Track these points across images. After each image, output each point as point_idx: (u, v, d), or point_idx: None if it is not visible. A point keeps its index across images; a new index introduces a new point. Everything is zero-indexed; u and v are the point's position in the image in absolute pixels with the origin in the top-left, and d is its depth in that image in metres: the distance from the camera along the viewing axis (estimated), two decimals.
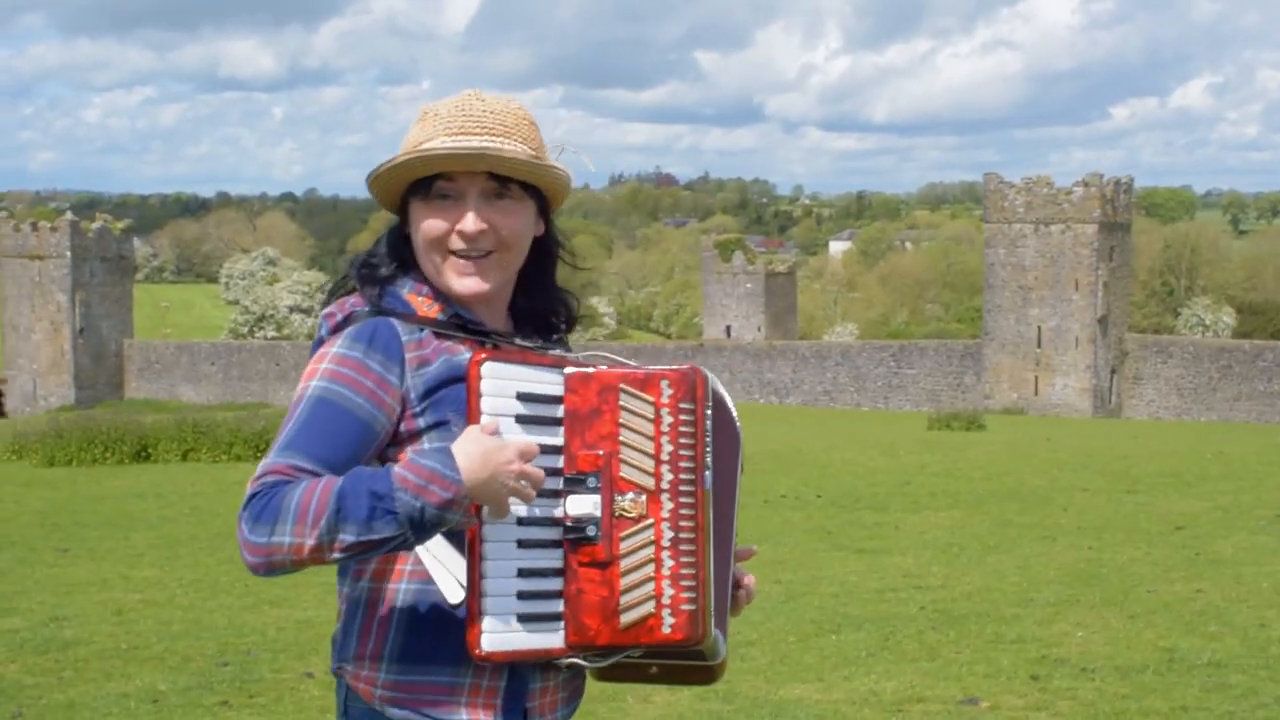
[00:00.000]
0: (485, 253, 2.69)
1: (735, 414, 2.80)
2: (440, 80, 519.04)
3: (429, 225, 2.67)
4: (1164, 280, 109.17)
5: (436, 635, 2.59)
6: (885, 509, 16.62)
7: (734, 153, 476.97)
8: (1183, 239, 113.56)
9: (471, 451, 2.43)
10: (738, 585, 2.87)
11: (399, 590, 2.61)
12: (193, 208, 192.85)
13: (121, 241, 79.36)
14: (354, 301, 2.70)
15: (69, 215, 79.14)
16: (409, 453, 2.55)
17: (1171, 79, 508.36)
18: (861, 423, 43.22)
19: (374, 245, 2.79)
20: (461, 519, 2.44)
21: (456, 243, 2.67)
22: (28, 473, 21.41)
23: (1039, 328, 60.65)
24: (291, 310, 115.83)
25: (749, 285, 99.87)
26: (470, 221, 2.65)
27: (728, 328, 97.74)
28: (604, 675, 2.71)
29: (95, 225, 78.87)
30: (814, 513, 16.44)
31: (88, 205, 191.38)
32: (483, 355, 2.55)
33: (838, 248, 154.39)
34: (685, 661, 2.72)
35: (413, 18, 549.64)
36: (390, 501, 2.38)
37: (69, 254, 74.45)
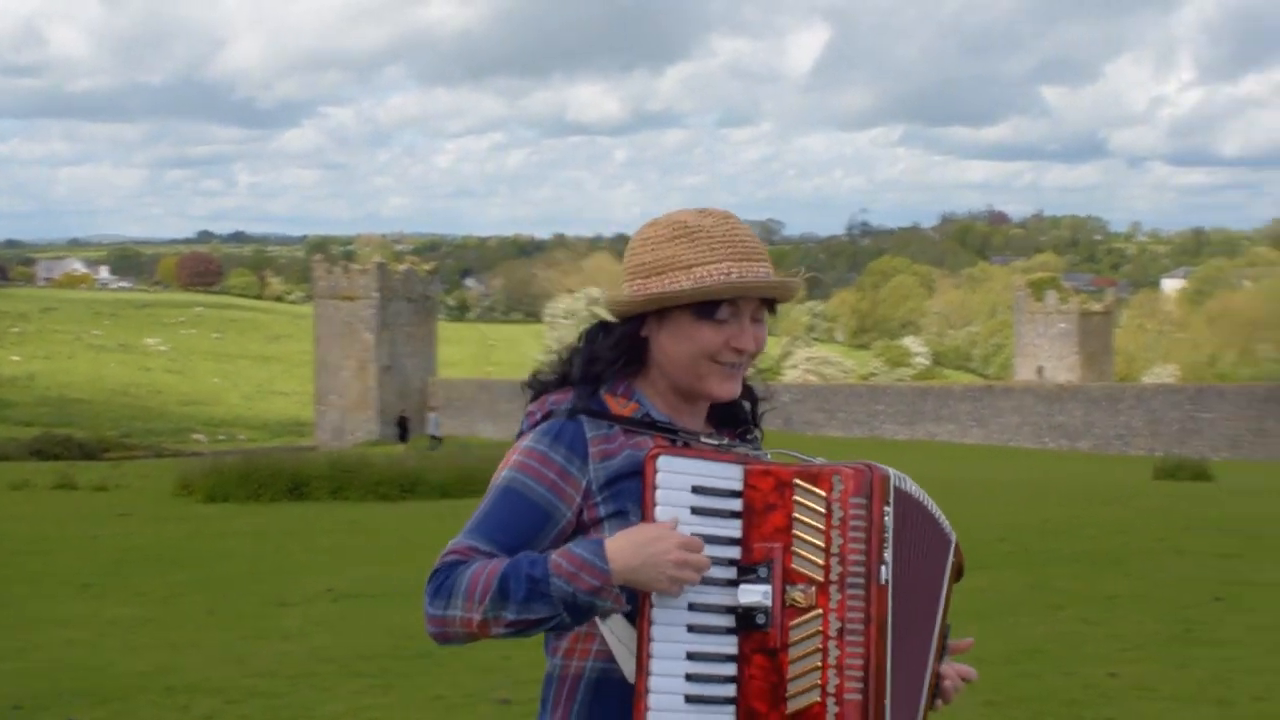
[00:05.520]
0: (744, 364, 2.94)
1: (938, 514, 2.95)
2: (782, 120, 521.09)
3: (709, 339, 2.86)
4: None
5: (619, 712, 2.76)
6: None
7: (1074, 189, 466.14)
8: None
9: (624, 543, 2.63)
10: (944, 678, 3.01)
11: (585, 667, 2.83)
12: (528, 249, 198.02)
13: (427, 283, 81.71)
14: (554, 399, 2.89)
15: (377, 259, 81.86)
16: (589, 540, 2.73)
17: None
18: (1087, 469, 41.16)
19: (590, 345, 2.94)
20: (610, 605, 2.64)
21: (729, 356, 2.88)
22: (180, 507, 22.16)
23: None
24: None
25: (1062, 325, 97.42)
26: (750, 341, 2.88)
27: (1040, 368, 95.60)
28: None
29: (402, 268, 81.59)
30: None
31: (430, 248, 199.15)
32: (657, 450, 2.72)
33: (1170, 286, 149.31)
34: None
35: (757, 59, 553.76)
36: (545, 585, 2.61)
37: (377, 295, 77.03)
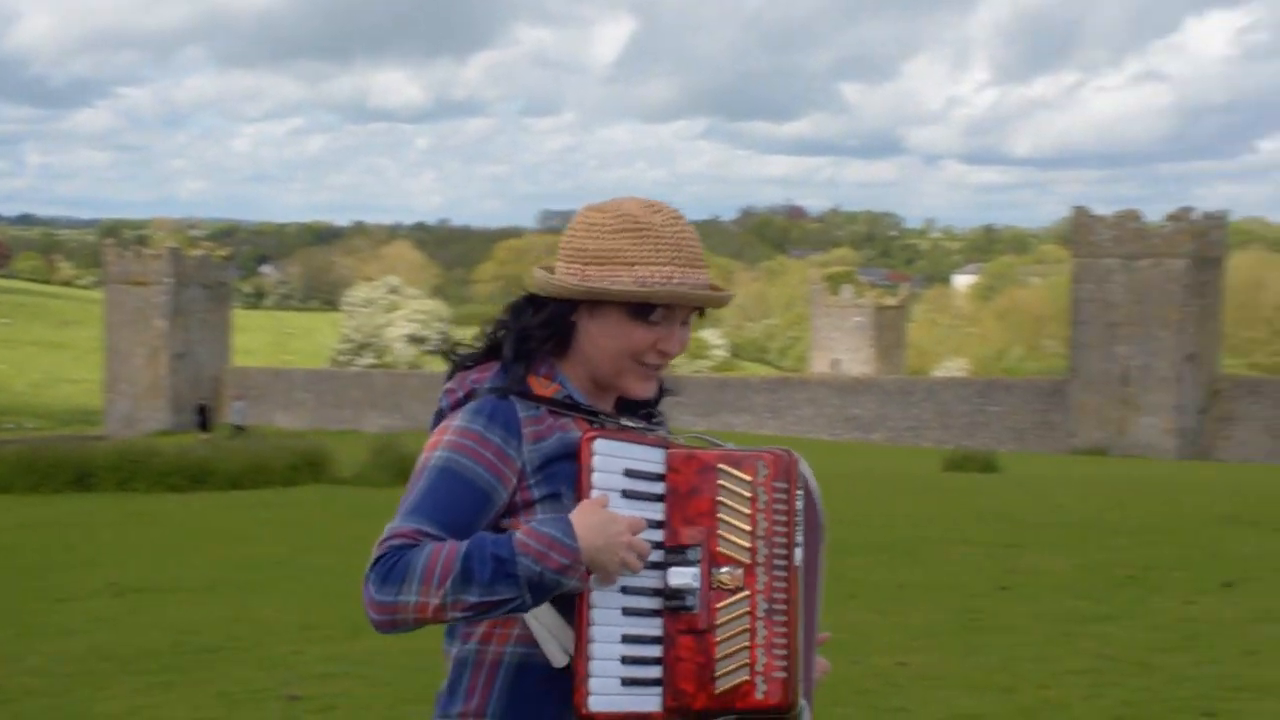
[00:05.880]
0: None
1: (820, 501, 2.95)
2: (586, 111, 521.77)
3: (638, 338, 2.84)
4: None
5: (539, 697, 2.77)
6: None
7: (871, 185, 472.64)
8: None
9: (590, 523, 2.63)
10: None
11: (505, 653, 2.79)
12: (326, 236, 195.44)
13: (222, 269, 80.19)
14: (474, 378, 2.87)
15: (171, 244, 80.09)
16: (528, 521, 2.70)
17: None
18: (879, 460, 41.84)
19: (519, 320, 2.90)
20: (576, 584, 2.62)
21: (653, 358, 2.87)
22: None
23: (1125, 365, 58.94)
24: (410, 340, 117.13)
25: (858, 319, 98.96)
26: (677, 345, 2.88)
27: (835, 361, 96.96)
28: None
29: (197, 253, 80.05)
30: None
31: (226, 233, 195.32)
32: (594, 433, 2.75)
33: (962, 282, 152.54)
34: None
35: (561, 48, 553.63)
36: (512, 565, 2.57)
37: (170, 280, 75.37)
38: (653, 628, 2.74)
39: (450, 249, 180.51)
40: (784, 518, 2.74)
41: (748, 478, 2.74)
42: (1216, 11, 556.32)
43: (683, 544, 2.74)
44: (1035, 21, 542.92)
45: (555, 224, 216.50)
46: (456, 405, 2.85)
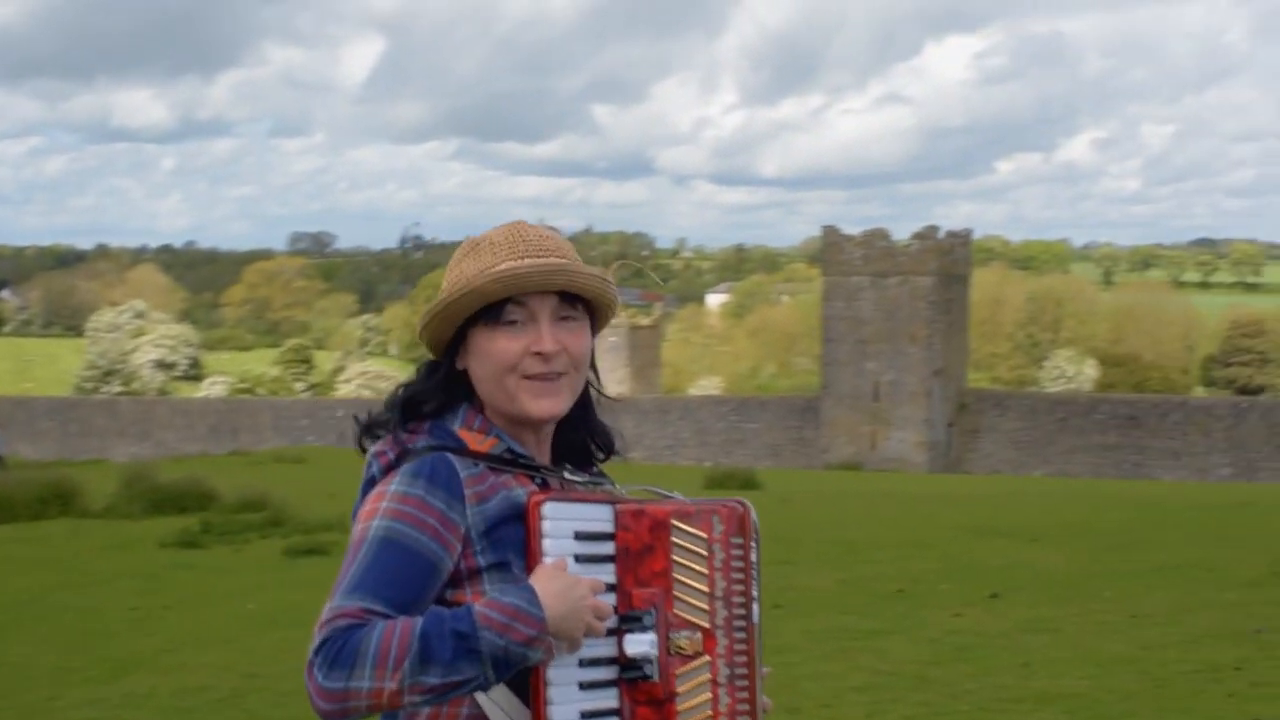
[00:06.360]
0: (558, 374, 2.68)
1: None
2: (335, 131, 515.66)
3: (502, 349, 2.65)
4: (1029, 333, 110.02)
5: None
6: None
7: (622, 206, 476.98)
8: (1048, 292, 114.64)
9: (553, 588, 2.45)
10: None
11: None
12: (68, 260, 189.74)
13: None
14: (406, 438, 2.66)
15: None
16: (474, 593, 2.53)
17: (1058, 133, 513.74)
18: (640, 479, 41.73)
19: (413, 383, 2.77)
20: (542, 656, 2.44)
21: (532, 366, 2.65)
22: None
23: (876, 381, 60.17)
24: (158, 365, 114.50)
25: (613, 339, 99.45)
26: (548, 341, 2.64)
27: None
28: None
29: None
30: None
31: None
32: (541, 496, 2.57)
33: (714, 300, 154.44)
34: None
35: (310, 68, 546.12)
36: (475, 641, 2.37)
37: None
38: (610, 699, 2.58)
39: (198, 272, 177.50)
40: (741, 575, 2.62)
41: (703, 534, 2.61)
42: (955, 36, 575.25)
43: (637, 608, 2.59)
44: (781, 45, 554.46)
45: (305, 246, 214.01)
46: (390, 468, 2.63)
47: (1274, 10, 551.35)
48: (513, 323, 2.66)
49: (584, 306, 2.74)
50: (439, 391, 2.74)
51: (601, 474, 2.88)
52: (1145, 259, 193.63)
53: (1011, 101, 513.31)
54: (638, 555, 2.61)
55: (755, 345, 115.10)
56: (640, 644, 2.56)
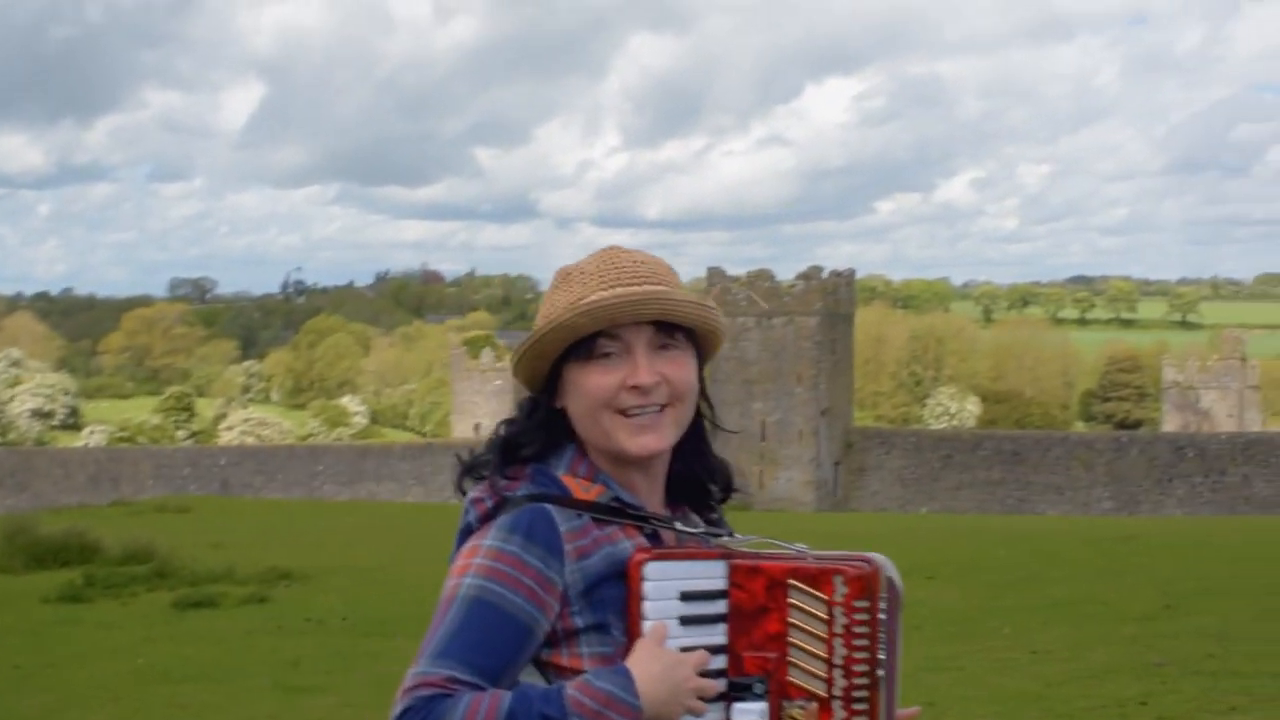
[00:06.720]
0: (659, 407, 2.50)
1: (899, 580, 2.56)
2: (215, 175, 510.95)
3: (596, 384, 2.48)
4: (911, 371, 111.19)
5: None
6: None
7: (506, 249, 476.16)
8: (929, 330, 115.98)
9: (653, 672, 2.30)
10: None
11: None
12: None
13: None
14: (504, 484, 2.48)
15: None
16: (570, 654, 2.39)
17: (937, 174, 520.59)
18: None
19: (511, 424, 2.58)
20: None
21: (628, 400, 2.48)
22: None
23: (763, 421, 60.39)
24: (35, 414, 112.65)
25: (498, 382, 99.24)
26: (644, 372, 2.47)
27: (477, 425, 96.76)
28: None
29: None
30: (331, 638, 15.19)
31: None
32: (643, 555, 2.40)
33: None
34: None
35: (190, 112, 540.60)
36: None
37: None
38: None
39: (75, 319, 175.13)
40: (865, 642, 2.38)
41: (824, 596, 2.38)
42: (835, 79, 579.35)
43: (748, 674, 2.40)
44: (664, 88, 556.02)
45: (185, 292, 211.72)
46: (487, 518, 2.45)
47: (1144, 53, 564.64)
48: (607, 355, 2.50)
49: (685, 334, 2.56)
50: (539, 432, 2.56)
51: (720, 520, 2.71)
52: (1024, 296, 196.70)
53: (891, 143, 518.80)
54: (751, 616, 2.41)
55: None
56: (749, 713, 2.39)
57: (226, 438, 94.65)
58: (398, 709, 2.25)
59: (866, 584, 2.39)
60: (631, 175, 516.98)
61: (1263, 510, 51.65)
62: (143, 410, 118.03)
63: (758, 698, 2.39)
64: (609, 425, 2.49)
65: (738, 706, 2.39)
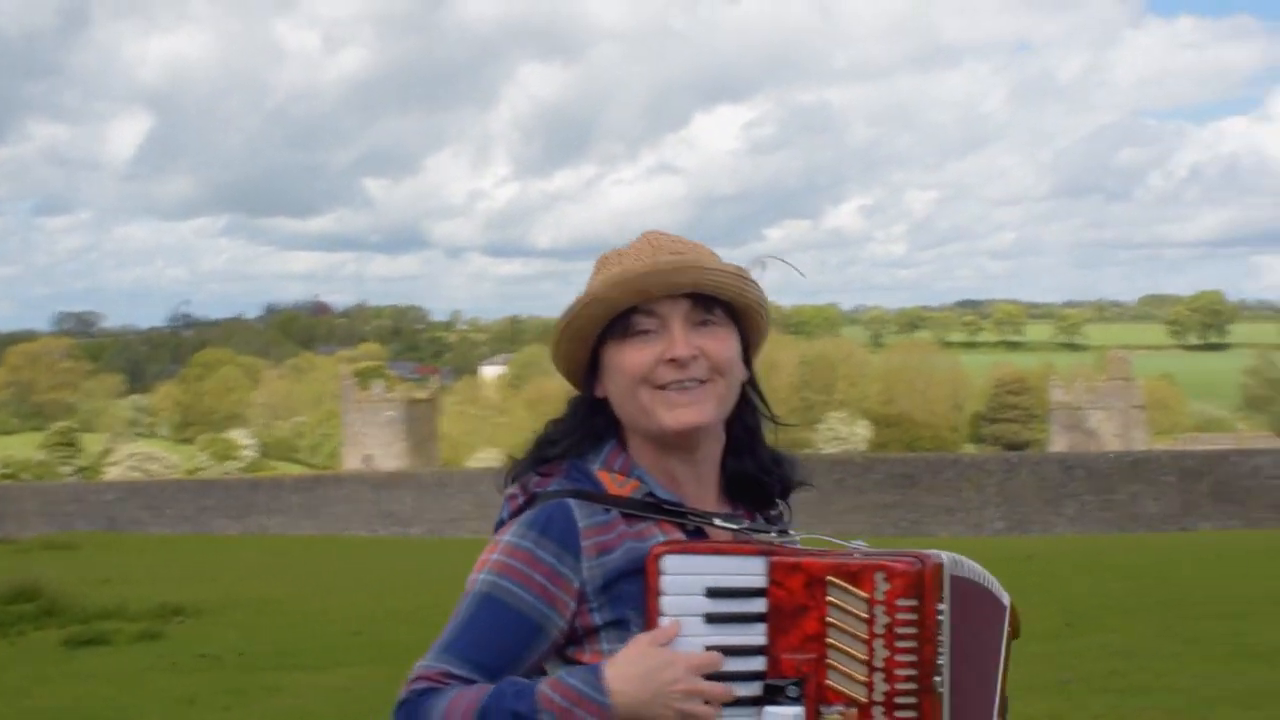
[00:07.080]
0: (699, 382, 2.40)
1: (991, 584, 2.46)
2: (101, 208, 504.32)
3: (632, 359, 2.39)
4: (803, 395, 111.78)
5: None
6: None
7: (395, 279, 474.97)
8: (820, 355, 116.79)
9: (629, 672, 2.22)
10: None
11: None
12: None
13: None
14: (538, 481, 2.42)
15: None
16: (591, 652, 2.34)
17: (826, 200, 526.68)
18: (419, 555, 41.53)
19: (553, 422, 2.52)
20: None
21: (666, 374, 2.39)
22: None
23: None
24: None
25: (389, 413, 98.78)
26: (680, 345, 2.38)
27: (368, 456, 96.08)
28: None
29: None
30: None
31: None
32: (662, 548, 2.28)
33: (490, 372, 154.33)
34: None
35: (76, 145, 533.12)
36: None
37: None
38: None
39: None
40: (912, 643, 2.23)
41: (864, 594, 2.24)
42: (725, 106, 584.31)
43: (784, 676, 2.25)
44: (553, 118, 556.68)
45: (71, 326, 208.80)
46: (518, 513, 2.40)
47: (1030, 79, 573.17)
48: (644, 333, 2.42)
49: (725, 312, 2.47)
50: (575, 428, 2.50)
51: (779, 517, 2.58)
52: (912, 321, 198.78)
53: (780, 170, 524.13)
54: (790, 615, 2.27)
55: (533, 416, 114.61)
56: (782, 717, 2.25)
57: (113, 473, 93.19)
58: (399, 698, 2.27)
59: (913, 581, 2.24)
60: (522, 204, 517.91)
61: (1152, 528, 52.26)
62: (27, 446, 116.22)
63: (793, 701, 2.27)
64: (646, 401, 2.41)
65: (769, 711, 2.27)
